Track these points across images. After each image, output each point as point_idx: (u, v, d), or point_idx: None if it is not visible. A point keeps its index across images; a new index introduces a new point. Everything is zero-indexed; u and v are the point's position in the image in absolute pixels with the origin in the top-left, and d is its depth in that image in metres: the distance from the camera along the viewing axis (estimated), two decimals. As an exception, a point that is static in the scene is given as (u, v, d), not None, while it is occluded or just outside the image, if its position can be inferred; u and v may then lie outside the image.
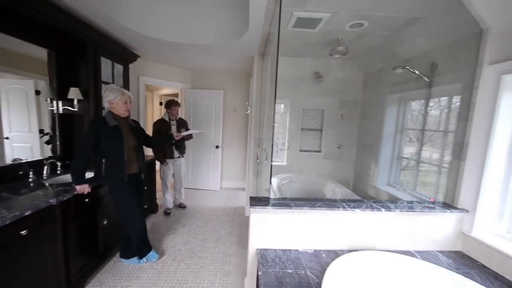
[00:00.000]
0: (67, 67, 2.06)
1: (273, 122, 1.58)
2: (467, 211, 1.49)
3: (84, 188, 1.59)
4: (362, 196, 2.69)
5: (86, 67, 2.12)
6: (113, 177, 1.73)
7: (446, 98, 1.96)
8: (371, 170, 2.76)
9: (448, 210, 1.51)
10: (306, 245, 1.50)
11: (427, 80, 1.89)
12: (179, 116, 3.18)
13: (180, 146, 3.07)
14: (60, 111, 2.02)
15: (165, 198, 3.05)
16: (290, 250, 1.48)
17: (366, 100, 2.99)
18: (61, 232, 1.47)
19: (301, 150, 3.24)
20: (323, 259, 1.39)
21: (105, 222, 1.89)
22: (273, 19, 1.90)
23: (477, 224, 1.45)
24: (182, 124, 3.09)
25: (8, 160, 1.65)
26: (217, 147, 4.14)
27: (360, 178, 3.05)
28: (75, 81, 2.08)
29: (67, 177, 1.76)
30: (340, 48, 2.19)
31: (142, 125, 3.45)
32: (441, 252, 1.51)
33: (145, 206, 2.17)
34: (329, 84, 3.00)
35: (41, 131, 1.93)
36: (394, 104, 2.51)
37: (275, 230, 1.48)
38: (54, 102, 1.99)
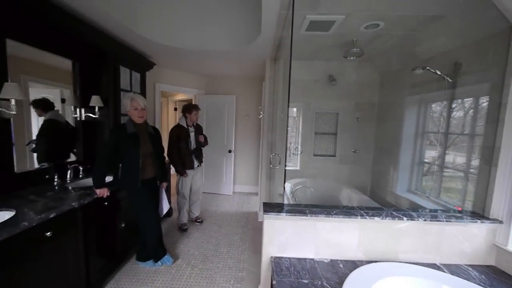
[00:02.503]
0: (89, 76, 2.17)
1: (287, 126, 1.56)
2: (500, 221, 1.37)
3: (104, 192, 1.65)
4: (381, 203, 2.57)
5: (106, 76, 2.23)
6: (128, 182, 1.78)
7: (471, 99, 1.83)
8: (390, 176, 2.63)
9: (478, 220, 1.39)
10: (322, 254, 1.44)
11: (450, 80, 1.78)
12: None
13: (199, 154, 2.94)
14: (83, 118, 2.13)
15: (182, 212, 2.80)
16: (305, 259, 1.43)
17: (383, 103, 2.88)
18: (82, 233, 1.53)
19: (315, 155, 3.17)
20: (340, 270, 1.32)
21: (122, 225, 1.95)
22: (285, 23, 1.89)
23: (512, 236, 1.32)
24: (199, 130, 3.00)
25: (36, 165, 1.76)
26: (229, 151, 4.17)
27: (378, 184, 2.93)
28: (97, 89, 2.19)
29: (89, 181, 1.84)
30: (355, 49, 2.13)
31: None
32: (472, 266, 1.39)
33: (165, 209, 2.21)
34: (344, 86, 2.93)
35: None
36: (414, 106, 2.39)
37: (289, 238, 1.44)
38: (77, 110, 2.11)
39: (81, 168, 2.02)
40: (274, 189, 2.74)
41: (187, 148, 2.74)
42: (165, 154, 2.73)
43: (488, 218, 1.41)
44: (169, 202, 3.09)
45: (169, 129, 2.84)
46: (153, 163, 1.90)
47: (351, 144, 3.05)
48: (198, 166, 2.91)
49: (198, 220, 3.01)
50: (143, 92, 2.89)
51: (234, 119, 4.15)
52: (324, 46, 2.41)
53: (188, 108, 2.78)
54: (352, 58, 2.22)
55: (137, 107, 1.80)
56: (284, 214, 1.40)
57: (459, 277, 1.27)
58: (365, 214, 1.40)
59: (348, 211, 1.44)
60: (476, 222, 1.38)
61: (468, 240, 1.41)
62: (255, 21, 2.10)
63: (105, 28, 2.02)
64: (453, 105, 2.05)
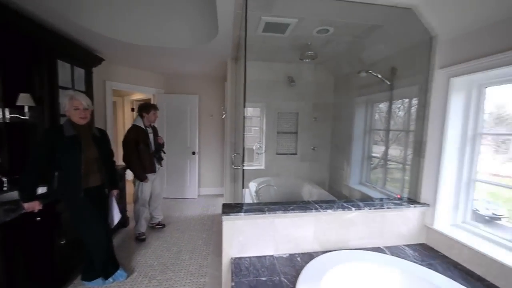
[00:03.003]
0: (17, 71, 1.85)
1: (243, 126, 1.56)
2: (428, 205, 1.59)
3: (34, 206, 1.42)
4: (337, 196, 2.77)
5: (39, 71, 1.93)
6: (68, 192, 1.57)
7: (407, 100, 2.10)
8: (344, 170, 2.86)
9: (412, 205, 1.59)
10: (281, 250, 1.48)
11: (388, 83, 2.01)
12: None
13: (160, 156, 2.76)
14: (7, 119, 1.80)
15: (140, 222, 2.57)
16: (265, 256, 1.44)
17: (337, 103, 3.12)
18: (2, 256, 1.28)
19: (278, 153, 3.26)
20: (297, 263, 1.37)
21: (63, 242, 1.71)
22: (242, 23, 1.90)
23: (437, 217, 1.55)
24: (156, 131, 2.83)
25: None
26: (193, 153, 4.02)
27: (335, 179, 3.15)
28: (26, 86, 1.88)
29: (16, 194, 1.56)
30: (310, 52, 2.25)
31: (110, 134, 3.26)
32: (408, 245, 1.58)
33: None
34: (302, 88, 3.08)
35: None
36: (362, 106, 2.64)
37: (249, 237, 1.44)
38: (0, 110, 1.78)
39: (5, 180, 1.70)
40: (239, 189, 2.72)
41: (147, 151, 2.56)
42: (121, 159, 2.50)
43: (419, 203, 1.63)
44: (125, 211, 2.86)
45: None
46: (99, 170, 1.71)
47: (310, 143, 3.22)
48: (158, 169, 2.74)
49: (160, 224, 2.84)
50: (89, 91, 2.59)
51: (197, 119, 4.02)
52: (282, 48, 2.49)
53: (146, 107, 2.58)
54: (307, 60, 2.34)
55: (78, 106, 1.59)
56: (242, 214, 1.39)
57: (398, 257, 1.43)
58: (319, 208, 1.48)
59: (304, 206, 1.50)
60: (410, 207, 1.58)
61: (404, 223, 1.60)
62: (213, 19, 2.07)
63: (37, 16, 1.74)
64: (398, 105, 2.32)
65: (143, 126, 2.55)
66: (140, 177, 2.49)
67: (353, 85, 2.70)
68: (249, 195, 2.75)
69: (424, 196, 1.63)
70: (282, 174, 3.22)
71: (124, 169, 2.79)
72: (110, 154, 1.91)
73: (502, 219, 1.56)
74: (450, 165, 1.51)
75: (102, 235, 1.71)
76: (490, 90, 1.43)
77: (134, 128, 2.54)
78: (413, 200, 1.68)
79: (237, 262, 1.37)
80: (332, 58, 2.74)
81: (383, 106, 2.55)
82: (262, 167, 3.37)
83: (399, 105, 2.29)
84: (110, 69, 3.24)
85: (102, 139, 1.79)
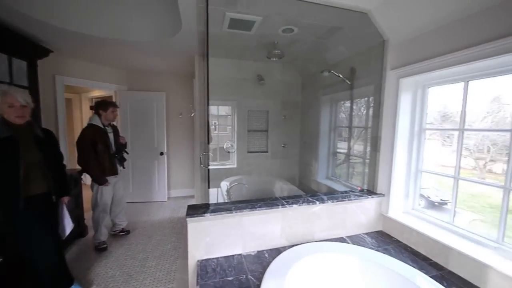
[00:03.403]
0: None
1: (208, 125, 1.52)
2: (383, 195, 1.73)
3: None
4: (307, 191, 2.87)
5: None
6: (4, 203, 1.36)
7: (366, 98, 2.26)
8: (313, 166, 2.98)
9: (369, 196, 1.72)
10: (249, 247, 1.48)
11: (349, 82, 2.14)
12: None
13: (122, 157, 2.55)
14: None
15: (100, 229, 2.34)
16: (233, 255, 1.43)
17: (305, 101, 3.22)
18: None
19: (249, 152, 3.26)
20: (265, 260, 1.39)
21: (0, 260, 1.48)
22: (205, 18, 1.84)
23: (391, 205, 1.69)
24: (117, 131, 2.61)
25: None
26: (161, 153, 3.82)
27: (304, 174, 3.26)
28: None
29: None
30: (276, 51, 2.28)
31: (63, 134, 2.93)
32: (367, 234, 1.71)
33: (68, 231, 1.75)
34: (271, 86, 3.12)
35: None
36: (327, 104, 2.77)
37: (216, 237, 1.41)
38: None
39: None
40: (206, 190, 2.66)
41: (107, 152, 2.35)
42: (76, 162, 2.26)
43: (376, 193, 1.76)
44: (83, 219, 2.60)
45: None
46: (44, 175, 1.51)
47: (280, 140, 3.29)
48: (120, 171, 2.55)
49: (124, 231, 2.65)
50: (33, 85, 2.29)
51: (165, 118, 3.83)
52: (250, 46, 2.48)
53: (102, 104, 2.36)
54: (274, 59, 2.37)
55: (13, 103, 1.38)
56: (208, 214, 1.36)
57: (358, 245, 1.53)
58: (285, 203, 1.51)
59: (271, 203, 1.52)
60: (368, 197, 1.70)
61: (363, 213, 1.72)
62: (176, 13, 1.97)
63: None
64: (360, 103, 2.47)
65: (101, 125, 2.34)
66: (99, 180, 2.28)
67: (319, 84, 2.82)
68: (220, 195, 2.70)
69: (380, 187, 1.78)
70: (253, 172, 3.23)
71: (80, 172, 2.53)
72: (59, 157, 1.71)
73: (448, 203, 1.76)
74: (401, 158, 1.66)
75: (50, 249, 1.51)
76: (433, 90, 1.60)
77: (90, 127, 2.31)
78: (371, 191, 1.82)
79: (203, 264, 1.33)
80: (298, 57, 2.83)
81: (346, 104, 2.71)
82: (234, 166, 3.34)
83: (360, 104, 2.46)
84: (61, 63, 2.90)
85: (47, 141, 1.58)
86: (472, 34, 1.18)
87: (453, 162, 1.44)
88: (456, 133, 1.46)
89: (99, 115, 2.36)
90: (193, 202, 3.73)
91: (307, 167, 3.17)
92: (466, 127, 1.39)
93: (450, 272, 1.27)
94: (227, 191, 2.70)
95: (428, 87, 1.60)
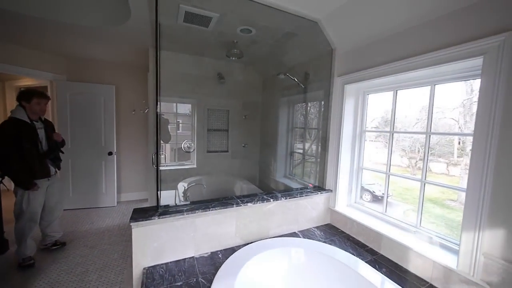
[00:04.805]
0: None
1: (158, 122, 1.43)
2: (331, 190, 1.89)
3: None
4: (266, 190, 2.94)
5: None
6: None
7: (317, 101, 2.43)
8: (272, 165, 3.07)
9: (319, 192, 1.85)
10: (202, 249, 1.43)
11: (303, 86, 2.27)
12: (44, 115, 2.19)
13: (56, 157, 2.21)
14: None
15: (25, 243, 1.98)
16: (184, 259, 1.37)
17: (265, 102, 3.30)
18: None
19: (208, 151, 3.19)
20: (218, 260, 1.36)
21: None
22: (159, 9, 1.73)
23: (337, 200, 1.86)
24: (51, 126, 2.25)
25: None
26: (110, 153, 3.44)
27: (264, 173, 3.34)
28: None
29: None
30: (235, 50, 2.28)
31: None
32: (317, 227, 1.84)
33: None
34: (232, 86, 3.11)
35: None
36: (285, 106, 2.89)
37: (166, 242, 1.33)
38: None
39: None
40: (166, 192, 2.51)
41: (35, 150, 1.99)
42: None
43: (325, 189, 1.91)
44: (2, 233, 2.16)
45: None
46: None
47: (241, 140, 3.30)
48: (55, 173, 2.21)
49: (58, 243, 2.29)
50: None
51: (115, 114, 3.46)
52: (209, 43, 2.42)
53: (25, 94, 2.00)
54: (234, 58, 2.36)
55: None
56: (156, 218, 1.27)
57: (308, 238, 1.63)
58: (240, 202, 1.52)
59: (226, 202, 1.51)
60: (317, 193, 1.83)
61: (314, 208, 1.85)
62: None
63: None
64: (315, 106, 2.63)
65: (26, 119, 1.98)
66: (25, 184, 1.93)
67: (277, 86, 2.92)
68: (176, 197, 2.57)
69: (328, 183, 1.93)
70: (213, 172, 3.17)
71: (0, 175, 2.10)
72: None
73: (389, 197, 2.00)
74: (345, 157, 1.84)
75: None
76: (374, 96, 1.81)
77: (12, 121, 1.93)
78: (321, 188, 1.96)
79: (150, 272, 1.24)
80: (258, 59, 2.88)
81: (301, 106, 2.87)
82: (194, 166, 3.22)
83: (314, 107, 2.63)
84: (-26, 42, 2.36)
85: None
86: (401, 48, 1.37)
87: (391, 161, 1.65)
88: (393, 135, 1.68)
89: (23, 107, 1.99)
90: (146, 206, 3.46)
91: (266, 166, 3.25)
92: (403, 131, 1.62)
93: (382, 256, 1.45)
94: (184, 192, 2.58)
95: (368, 94, 1.80)
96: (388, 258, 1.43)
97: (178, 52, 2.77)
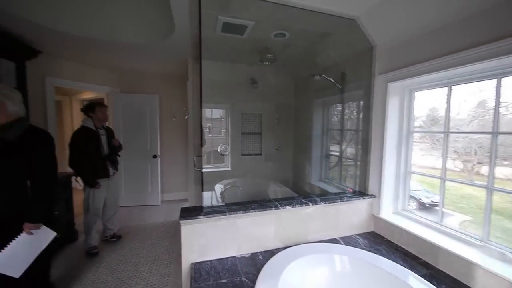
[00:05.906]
0: None
1: (201, 128, 1.53)
2: (374, 196, 1.77)
3: None
4: (300, 193, 2.90)
5: None
6: None
7: (356, 102, 2.31)
8: (306, 168, 3.01)
9: (361, 197, 1.76)
10: (243, 250, 1.48)
11: (339, 86, 2.19)
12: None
13: (115, 160, 2.54)
14: None
15: (91, 234, 2.30)
16: (227, 258, 1.43)
17: (298, 104, 3.27)
18: None
19: (243, 154, 3.27)
20: (259, 261, 1.39)
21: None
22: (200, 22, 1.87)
23: (382, 207, 1.73)
24: (111, 133, 2.61)
25: None
26: (154, 156, 3.78)
27: (298, 177, 3.29)
28: None
29: None
30: (269, 55, 2.32)
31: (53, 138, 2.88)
32: (359, 234, 1.74)
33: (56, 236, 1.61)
34: (265, 89, 3.15)
35: None
36: (320, 107, 2.82)
37: (210, 240, 1.41)
38: None
39: None
40: (200, 192, 2.66)
41: (98, 154, 2.33)
42: (67, 165, 2.22)
43: (367, 195, 1.80)
44: (73, 224, 2.54)
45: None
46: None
47: (274, 143, 3.32)
48: (113, 174, 2.52)
49: (116, 236, 2.60)
50: (22, 87, 2.25)
51: (158, 121, 3.80)
52: (243, 49, 2.51)
53: (90, 106, 2.38)
54: (267, 63, 2.40)
55: None
56: (202, 217, 1.35)
57: (350, 246, 1.56)
58: (279, 205, 1.53)
59: (265, 204, 1.53)
60: (359, 199, 1.74)
61: (355, 214, 1.76)
62: (169, 15, 1.98)
63: None
64: (346, 107, 2.53)
65: (93, 127, 2.35)
66: (91, 183, 2.26)
67: (311, 88, 2.87)
68: (214, 198, 2.69)
69: (371, 188, 1.82)
70: (247, 174, 3.24)
71: (69, 176, 2.48)
72: (42, 165, 1.36)
73: (439, 205, 1.81)
74: (390, 160, 1.71)
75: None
76: (420, 94, 1.66)
77: (82, 129, 2.33)
78: (362, 193, 1.86)
79: (197, 267, 1.32)
80: (291, 61, 2.87)
81: (337, 107, 2.77)
82: (229, 169, 3.34)
83: (351, 107, 2.52)
84: (51, 64, 2.85)
85: (20, 147, 1.25)
86: (454, 40, 1.24)
87: (446, 164, 1.49)
88: (443, 136, 1.52)
89: (90, 117, 2.37)
90: (186, 205, 3.70)
91: (300, 169, 3.20)
92: (454, 130, 1.45)
93: (440, 271, 1.31)
94: (221, 193, 2.69)
95: (415, 91, 1.66)
96: (448, 274, 1.28)
97: (214, 61, 2.93)
